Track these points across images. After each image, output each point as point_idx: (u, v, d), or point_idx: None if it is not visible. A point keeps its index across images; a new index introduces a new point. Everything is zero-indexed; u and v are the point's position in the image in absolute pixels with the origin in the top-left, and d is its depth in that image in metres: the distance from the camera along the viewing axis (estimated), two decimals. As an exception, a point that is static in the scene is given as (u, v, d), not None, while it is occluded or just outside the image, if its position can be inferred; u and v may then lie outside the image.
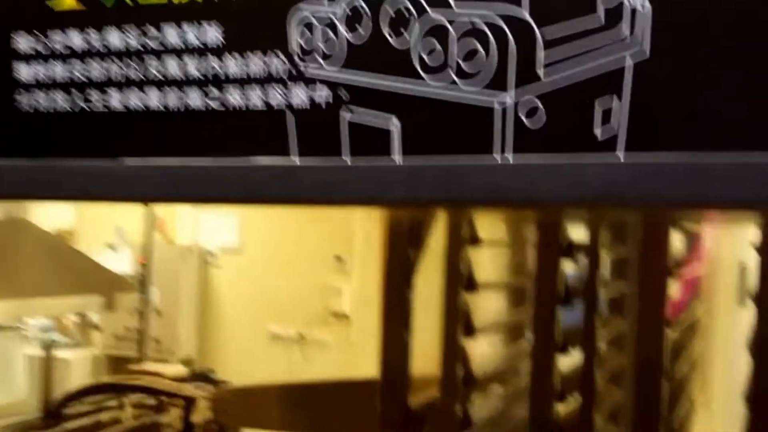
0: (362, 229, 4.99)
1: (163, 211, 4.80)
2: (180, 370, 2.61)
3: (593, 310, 1.45)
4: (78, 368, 5.32)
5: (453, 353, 1.55)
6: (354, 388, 1.96)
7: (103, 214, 5.59)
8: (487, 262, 1.70)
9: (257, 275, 5.27)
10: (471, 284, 1.56)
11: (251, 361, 5.02)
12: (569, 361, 1.68)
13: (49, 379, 2.18)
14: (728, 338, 3.51)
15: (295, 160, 0.94)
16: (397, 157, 0.89)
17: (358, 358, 4.92)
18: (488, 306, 1.68)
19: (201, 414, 2.13)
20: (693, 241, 2.36)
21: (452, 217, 1.55)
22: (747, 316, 2.97)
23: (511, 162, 0.86)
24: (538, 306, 1.47)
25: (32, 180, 1.05)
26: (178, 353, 5.14)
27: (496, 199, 0.87)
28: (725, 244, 3.17)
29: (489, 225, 1.70)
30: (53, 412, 2.12)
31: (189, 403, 2.07)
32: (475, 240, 1.57)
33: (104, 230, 5.50)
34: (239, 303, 5.34)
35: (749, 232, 3.16)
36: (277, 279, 5.19)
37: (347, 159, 0.91)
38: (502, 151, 0.86)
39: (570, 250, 1.49)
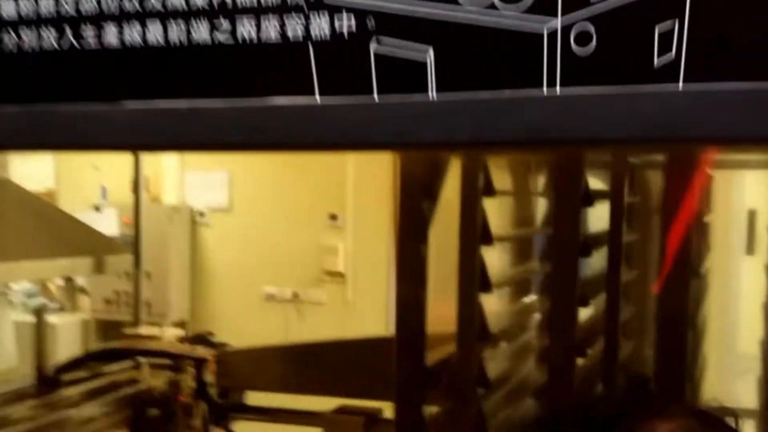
0: (356, 187, 4.91)
1: (149, 169, 4.68)
2: (177, 333, 2.55)
3: (617, 260, 1.39)
4: (66, 333, 5.24)
5: (469, 309, 1.49)
6: (364, 347, 1.91)
7: (85, 174, 5.47)
8: (491, 215, 1.62)
9: (249, 235, 5.19)
10: (486, 237, 1.49)
11: (246, 323, 4.97)
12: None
13: (41, 345, 2.11)
14: (736, 288, 3.49)
15: (317, 99, 0.85)
16: (432, 92, 0.81)
17: (355, 317, 4.89)
18: (492, 261, 1.62)
19: (205, 377, 2.08)
20: (705, 186, 2.30)
21: (467, 165, 1.48)
22: (755, 265, 2.93)
23: (560, 95, 0.78)
24: (558, 258, 1.41)
25: (21, 128, 0.96)
26: (171, 316, 5.08)
27: (543, 138, 0.79)
28: (735, 190, 3.12)
29: (495, 174, 1.63)
30: (50, 378, 2.06)
31: (200, 364, 2.01)
32: (490, 190, 1.50)
33: (87, 191, 5.38)
34: (231, 264, 5.27)
35: (760, 178, 3.11)
36: (269, 238, 5.11)
37: (375, 96, 0.83)
38: (550, 83, 0.79)
39: (589, 198, 1.42)
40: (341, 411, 1.90)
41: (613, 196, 1.42)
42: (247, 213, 5.23)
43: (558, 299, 1.41)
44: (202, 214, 5.35)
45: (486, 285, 1.49)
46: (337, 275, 5.00)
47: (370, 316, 4.78)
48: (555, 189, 1.44)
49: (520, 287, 2.09)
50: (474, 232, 1.47)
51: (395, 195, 1.46)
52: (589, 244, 1.40)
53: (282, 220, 5.10)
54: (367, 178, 4.88)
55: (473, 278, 1.48)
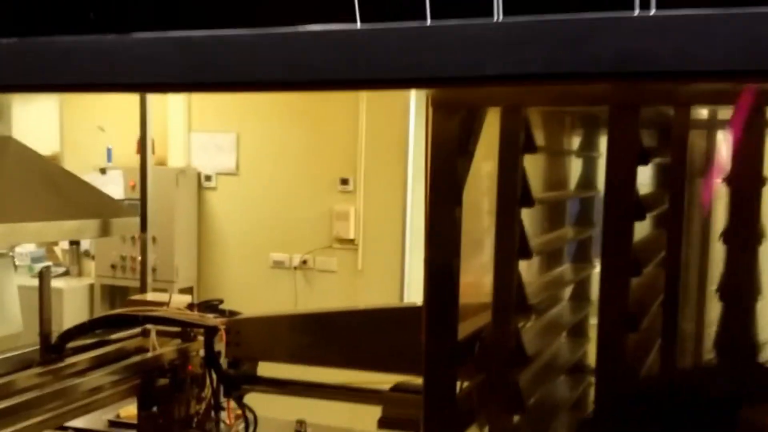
0: (369, 149, 4.78)
1: (155, 130, 4.56)
2: (185, 300, 2.45)
3: (678, 224, 1.27)
4: (72, 298, 5.18)
5: (506, 277, 1.38)
6: (384, 317, 1.80)
7: (91, 136, 5.36)
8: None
9: (257, 199, 5.08)
10: (527, 198, 1.37)
11: (253, 291, 4.89)
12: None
13: (45, 309, 2.02)
14: None
15: (357, 24, 0.73)
16: (497, 15, 0.69)
17: (366, 286, 4.80)
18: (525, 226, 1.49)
19: (215, 347, 1.99)
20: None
21: (506, 119, 1.35)
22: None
23: (655, 17, 0.65)
24: (609, 222, 1.29)
25: (20, 64, 0.84)
26: (177, 282, 5.00)
27: (632, 70, 0.67)
28: None
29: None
30: (55, 345, 1.96)
31: (210, 333, 1.92)
32: (531, 147, 1.38)
33: (93, 154, 5.27)
34: (238, 229, 5.16)
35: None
36: (278, 203, 5.00)
37: (428, 21, 0.70)
38: (643, 3, 0.66)
39: (645, 155, 1.30)
40: (398, 389, 1.81)
41: (675, 151, 1.29)
42: (254, 176, 5.11)
43: (609, 267, 1.30)
44: (208, 178, 5.24)
45: (525, 251, 1.38)
46: (347, 242, 4.89)
47: (383, 284, 4.69)
48: (608, 145, 1.32)
49: (552, 256, 1.97)
50: (513, 193, 1.36)
51: (426, 152, 1.34)
52: (644, 207, 1.28)
53: (291, 184, 4.98)
54: (381, 140, 4.75)
55: (511, 243, 1.36)
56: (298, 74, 0.76)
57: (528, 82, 0.68)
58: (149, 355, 1.93)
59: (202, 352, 1.96)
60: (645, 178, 1.62)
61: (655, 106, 1.44)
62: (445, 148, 1.33)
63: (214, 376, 1.96)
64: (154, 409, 1.94)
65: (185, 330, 2.02)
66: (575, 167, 2.06)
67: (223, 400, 2.03)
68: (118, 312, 2.14)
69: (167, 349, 1.96)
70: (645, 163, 1.31)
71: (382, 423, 1.84)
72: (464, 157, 1.38)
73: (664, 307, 1.32)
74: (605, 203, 1.28)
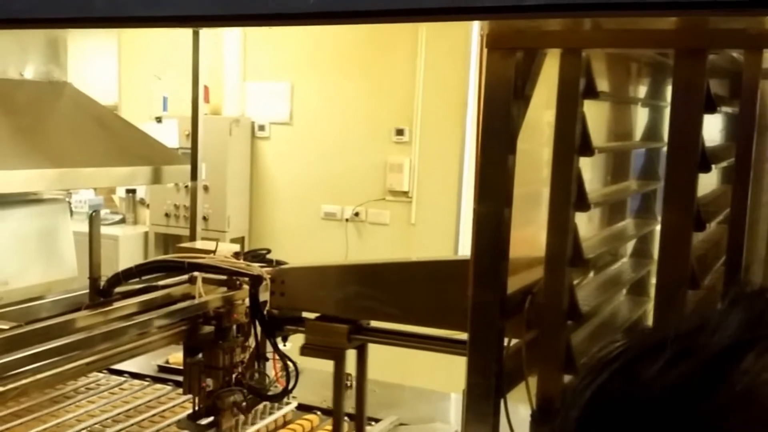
0: (426, 98, 4.71)
1: (209, 79, 4.57)
2: (234, 248, 2.46)
3: (745, 177, 1.20)
4: (127, 245, 5.30)
5: (561, 230, 1.33)
6: (435, 270, 1.77)
7: (147, 86, 5.41)
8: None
9: (309, 149, 5.08)
10: (586, 147, 1.31)
11: (304, 242, 4.92)
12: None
13: (95, 252, 2.05)
14: None
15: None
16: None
17: (420, 239, 4.77)
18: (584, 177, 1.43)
19: (261, 296, 1.99)
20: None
21: (566, 62, 1.29)
22: None
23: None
24: (672, 172, 1.22)
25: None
26: (228, 232, 5.06)
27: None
28: None
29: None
30: (103, 290, 1.99)
31: (255, 282, 1.92)
32: (592, 91, 1.31)
33: (149, 103, 5.33)
34: (290, 180, 5.18)
35: None
36: (331, 153, 4.99)
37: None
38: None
39: (712, 103, 1.22)
40: (321, 318, 1.85)
41: (745, 100, 1.21)
42: (308, 126, 5.10)
43: (670, 221, 1.24)
44: (262, 128, 5.25)
45: (582, 203, 1.32)
46: (401, 194, 4.86)
47: (437, 239, 4.65)
48: (673, 91, 1.24)
49: (613, 209, 1.90)
50: (571, 141, 1.30)
51: (479, 95, 1.28)
52: (709, 159, 1.21)
53: (344, 135, 4.96)
54: (439, 90, 4.67)
55: (568, 194, 1.31)
56: (349, 4, 0.72)
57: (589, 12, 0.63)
58: (194, 302, 1.93)
59: (247, 302, 1.96)
60: (713, 129, 1.54)
61: (725, 51, 1.35)
62: (500, 92, 1.28)
63: (259, 326, 1.97)
64: (200, 356, 1.94)
65: (231, 278, 2.02)
66: (641, 117, 1.97)
67: (269, 351, 2.04)
68: (164, 258, 2.15)
69: (212, 297, 1.96)
70: (712, 111, 1.23)
71: (304, 349, 1.91)
72: (519, 102, 1.32)
73: (727, 266, 1.26)
74: (669, 153, 1.22)
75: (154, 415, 2.20)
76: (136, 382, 2.48)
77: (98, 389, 2.38)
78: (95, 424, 2.11)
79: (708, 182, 1.44)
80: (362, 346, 1.96)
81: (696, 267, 1.29)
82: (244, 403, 1.97)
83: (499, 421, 1.37)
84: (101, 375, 2.49)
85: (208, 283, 2.00)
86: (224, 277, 2.00)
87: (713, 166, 1.28)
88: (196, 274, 1.97)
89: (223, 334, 1.94)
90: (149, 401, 2.30)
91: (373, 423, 2.17)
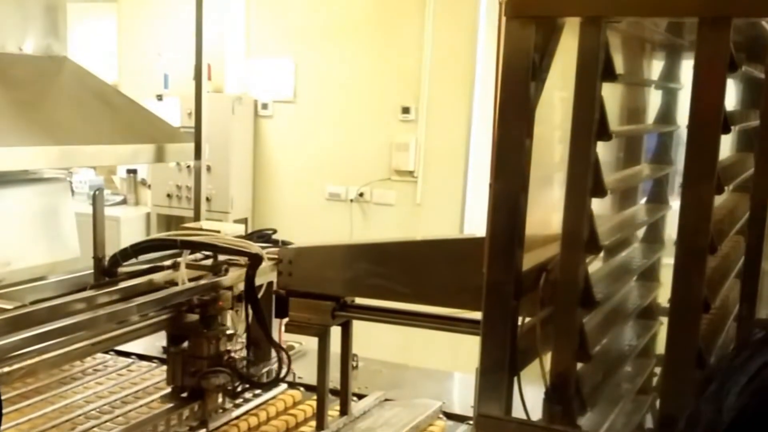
0: (433, 76, 4.67)
1: (212, 56, 4.55)
2: (238, 228, 2.45)
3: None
4: (129, 226, 5.30)
5: (577, 215, 1.32)
6: (445, 248, 1.76)
7: (148, 63, 5.38)
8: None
9: (313, 128, 5.06)
10: (603, 131, 1.30)
11: (308, 223, 4.91)
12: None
13: (100, 234, 2.04)
14: None
15: None
16: None
17: (425, 220, 4.76)
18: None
19: (264, 276, 1.97)
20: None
21: (584, 41, 1.27)
22: None
23: None
24: (694, 135, 1.21)
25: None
26: (232, 213, 5.05)
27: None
28: None
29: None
30: (107, 270, 1.98)
31: (255, 261, 1.89)
32: (610, 74, 1.29)
33: (150, 80, 5.30)
34: (294, 160, 5.16)
35: None
36: (335, 132, 4.97)
37: None
38: None
39: (734, 64, 1.20)
40: (307, 295, 1.83)
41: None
42: (311, 104, 5.07)
43: (691, 185, 1.22)
44: (265, 106, 5.22)
45: (599, 188, 1.32)
46: (407, 174, 4.84)
47: (442, 219, 4.64)
48: (696, 54, 1.23)
49: (626, 194, 1.90)
50: (589, 124, 1.28)
51: (497, 69, 1.27)
52: (728, 121, 1.20)
53: (349, 113, 4.93)
54: (446, 67, 4.64)
55: (584, 179, 1.30)
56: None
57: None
58: (176, 289, 1.86)
59: (241, 287, 1.93)
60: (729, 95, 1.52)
61: (749, 20, 1.34)
62: (518, 63, 1.26)
63: (251, 311, 1.93)
64: (185, 345, 1.88)
65: (217, 264, 1.96)
66: (654, 100, 1.96)
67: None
68: (158, 237, 2.12)
69: (194, 285, 1.88)
70: (735, 70, 1.22)
71: (288, 326, 1.93)
72: (538, 75, 1.31)
73: (749, 231, 1.25)
74: (690, 114, 1.20)
75: (163, 396, 2.20)
76: (144, 363, 2.48)
77: (106, 371, 2.38)
78: (104, 405, 2.11)
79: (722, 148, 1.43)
80: (347, 323, 1.97)
81: (714, 237, 1.28)
82: (229, 387, 1.92)
83: (512, 398, 1.37)
84: (108, 357, 2.49)
85: (194, 269, 1.94)
86: (210, 264, 1.94)
87: (733, 127, 1.26)
88: (180, 260, 1.91)
89: (209, 323, 1.87)
90: (157, 383, 2.30)
91: (357, 399, 2.17)
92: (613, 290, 1.60)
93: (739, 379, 0.48)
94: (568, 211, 1.32)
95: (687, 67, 1.86)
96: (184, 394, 1.93)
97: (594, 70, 1.28)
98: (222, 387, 1.90)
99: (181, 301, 1.82)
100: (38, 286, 2.09)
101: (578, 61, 1.28)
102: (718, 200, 1.33)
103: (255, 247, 1.91)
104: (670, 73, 1.92)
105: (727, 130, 1.21)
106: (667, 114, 1.92)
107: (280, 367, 1.94)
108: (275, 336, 2.40)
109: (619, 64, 1.52)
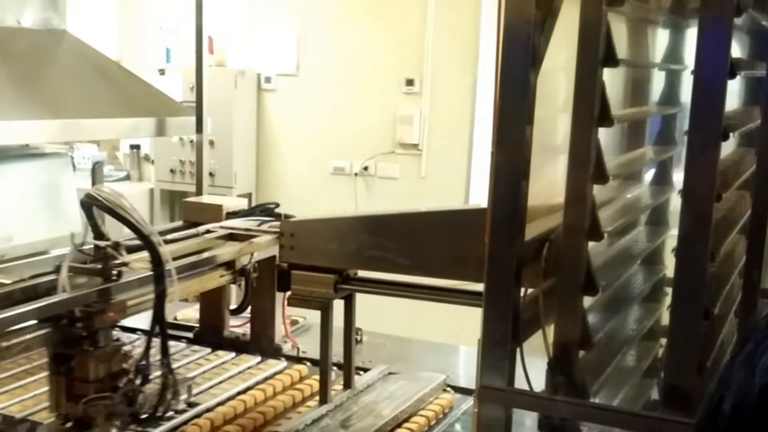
0: (437, 47, 4.64)
1: (214, 29, 4.52)
2: (241, 203, 2.45)
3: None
4: (132, 202, 5.29)
5: (579, 201, 1.32)
6: (454, 219, 1.75)
7: (149, 38, 5.35)
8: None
9: (317, 101, 5.04)
10: (605, 117, 1.30)
11: (312, 197, 4.90)
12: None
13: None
14: None
15: None
16: None
17: (430, 193, 4.74)
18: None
19: (265, 250, 1.97)
20: None
21: (586, 25, 1.26)
22: None
23: None
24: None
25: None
26: (235, 188, 5.05)
27: None
28: None
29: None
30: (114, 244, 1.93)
31: (156, 260, 1.59)
32: (612, 59, 1.28)
33: (151, 54, 5.28)
34: (298, 134, 5.15)
35: None
36: (339, 106, 4.95)
37: None
38: None
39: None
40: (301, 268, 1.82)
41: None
42: (315, 78, 5.05)
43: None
44: (268, 80, 5.20)
45: (601, 174, 1.32)
46: (411, 147, 4.82)
47: (447, 192, 4.63)
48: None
49: (629, 178, 1.90)
50: (590, 110, 1.28)
51: (498, 35, 1.25)
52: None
53: (353, 86, 4.90)
54: (450, 38, 4.60)
55: (586, 166, 1.30)
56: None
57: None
58: (55, 299, 1.52)
59: (244, 260, 1.83)
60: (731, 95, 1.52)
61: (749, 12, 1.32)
62: (519, 31, 1.25)
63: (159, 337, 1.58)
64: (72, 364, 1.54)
65: (106, 267, 1.59)
66: (657, 81, 1.95)
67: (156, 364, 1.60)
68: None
69: (76, 294, 1.54)
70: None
71: (291, 300, 1.92)
72: (539, 41, 1.29)
73: (751, 226, 1.25)
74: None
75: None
76: (150, 339, 2.48)
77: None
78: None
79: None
80: (349, 296, 1.98)
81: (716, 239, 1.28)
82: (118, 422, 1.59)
83: (515, 369, 1.37)
84: (114, 332, 2.49)
85: (79, 273, 1.58)
86: (98, 266, 1.58)
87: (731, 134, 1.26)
88: (61, 264, 1.57)
89: (95, 339, 1.55)
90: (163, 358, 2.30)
91: (361, 373, 2.19)
92: (615, 274, 1.61)
93: None
94: (569, 198, 1.33)
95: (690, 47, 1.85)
96: (69, 425, 1.59)
97: (594, 55, 1.27)
98: (116, 416, 1.57)
99: (60, 313, 1.49)
100: (39, 261, 2.09)
101: (579, 48, 1.27)
102: (724, 151, 1.33)
103: (154, 234, 1.56)
104: (672, 55, 1.91)
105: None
106: (670, 95, 1.92)
107: (161, 396, 1.62)
108: (278, 310, 2.43)
109: (622, 46, 1.51)
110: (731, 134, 1.27)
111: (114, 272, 1.60)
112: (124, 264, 1.61)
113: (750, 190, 1.42)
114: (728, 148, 1.49)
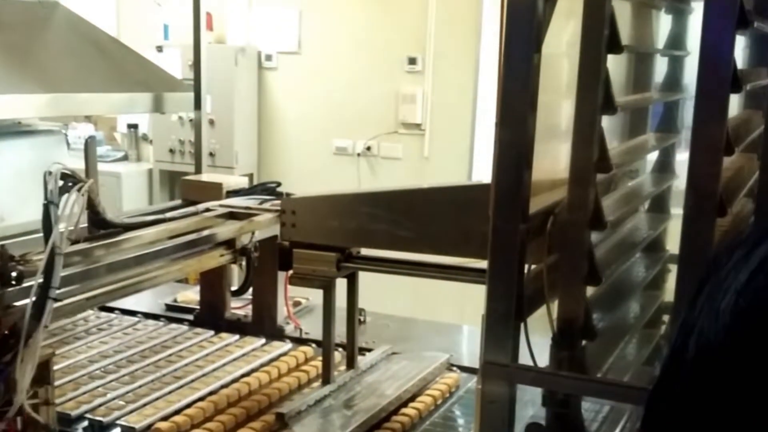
0: (440, 25, 4.60)
1: (213, 5, 4.48)
2: (241, 180, 2.43)
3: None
4: (131, 183, 5.28)
5: (581, 195, 1.30)
6: (457, 195, 1.74)
7: (148, 12, 5.31)
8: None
9: (319, 80, 5.00)
10: (609, 104, 1.28)
11: (314, 178, 4.88)
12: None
13: (94, 185, 2.01)
14: None
15: None
16: None
17: (433, 173, 4.72)
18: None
19: (266, 229, 1.96)
20: None
21: (589, 8, 1.24)
22: None
23: None
24: (703, 90, 1.18)
25: None
26: (237, 168, 5.02)
27: None
28: None
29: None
30: (109, 222, 1.91)
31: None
32: (615, 45, 1.26)
33: (149, 31, 5.24)
34: (300, 113, 5.12)
35: None
36: (341, 84, 4.91)
37: None
38: None
39: (745, 20, 1.17)
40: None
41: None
42: (317, 56, 5.01)
43: (699, 145, 1.20)
44: (269, 57, 5.16)
45: (605, 164, 1.30)
46: (414, 126, 4.79)
47: (450, 172, 4.61)
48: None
49: (630, 168, 1.88)
50: (594, 98, 1.27)
51: (501, 34, 1.23)
52: (740, 79, 1.18)
53: (355, 64, 4.87)
54: (452, 15, 4.56)
55: (589, 157, 1.29)
56: None
57: None
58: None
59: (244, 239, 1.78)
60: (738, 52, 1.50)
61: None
62: (523, 6, 1.23)
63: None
64: None
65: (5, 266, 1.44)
66: (660, 67, 1.93)
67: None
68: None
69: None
70: (745, 26, 1.19)
71: (292, 279, 1.92)
72: (545, 8, 1.27)
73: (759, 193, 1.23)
74: (700, 68, 1.17)
75: (170, 355, 2.19)
76: (150, 322, 2.46)
77: (111, 330, 2.36)
78: (109, 364, 2.10)
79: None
80: (352, 275, 1.96)
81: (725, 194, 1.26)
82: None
83: (519, 345, 1.36)
84: (113, 315, 2.47)
85: None
86: None
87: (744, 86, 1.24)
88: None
89: None
90: (164, 341, 2.29)
91: (365, 353, 2.18)
92: (622, 220, 1.59)
93: (739, 276, 0.40)
94: (572, 186, 1.32)
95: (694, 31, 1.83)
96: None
97: (598, 42, 1.26)
98: None
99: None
100: (32, 240, 2.08)
101: (582, 33, 1.25)
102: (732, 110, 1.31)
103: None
104: (675, 40, 1.89)
105: (737, 89, 1.18)
106: (673, 81, 1.90)
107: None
108: (280, 291, 2.41)
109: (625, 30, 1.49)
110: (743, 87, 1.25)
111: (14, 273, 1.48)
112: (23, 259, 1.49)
113: (757, 152, 1.40)
114: (734, 110, 1.47)
